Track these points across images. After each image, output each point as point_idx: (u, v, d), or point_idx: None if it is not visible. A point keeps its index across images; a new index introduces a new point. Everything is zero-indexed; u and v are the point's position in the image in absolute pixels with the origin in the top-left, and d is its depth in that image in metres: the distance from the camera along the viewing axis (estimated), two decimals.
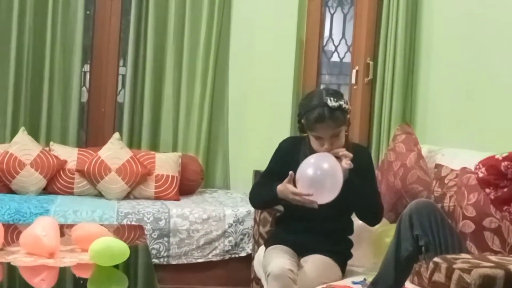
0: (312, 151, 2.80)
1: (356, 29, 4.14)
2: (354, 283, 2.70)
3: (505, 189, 2.15)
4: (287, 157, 2.92)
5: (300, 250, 2.83)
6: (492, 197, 2.20)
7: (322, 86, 4.93)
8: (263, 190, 2.92)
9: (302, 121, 2.80)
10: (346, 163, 2.70)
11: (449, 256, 1.79)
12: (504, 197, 2.17)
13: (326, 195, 2.68)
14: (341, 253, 2.87)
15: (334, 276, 2.78)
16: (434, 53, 3.60)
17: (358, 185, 2.75)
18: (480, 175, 2.21)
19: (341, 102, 2.71)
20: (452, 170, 2.76)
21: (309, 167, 2.69)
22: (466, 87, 3.25)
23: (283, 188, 2.76)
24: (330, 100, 2.69)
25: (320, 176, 2.67)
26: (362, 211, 2.86)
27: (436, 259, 1.79)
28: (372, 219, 2.87)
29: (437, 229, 2.26)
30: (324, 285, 2.66)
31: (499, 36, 3.02)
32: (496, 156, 2.18)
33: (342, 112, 2.72)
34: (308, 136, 2.84)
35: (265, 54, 4.60)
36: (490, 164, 2.18)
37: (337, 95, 2.75)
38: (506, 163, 2.14)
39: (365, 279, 2.72)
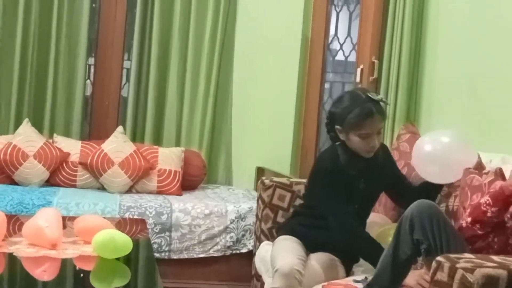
0: (350, 158, 2.77)
1: (361, 27, 4.14)
2: (356, 281, 2.71)
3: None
4: (340, 175, 2.77)
5: (311, 246, 2.83)
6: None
7: (327, 85, 4.94)
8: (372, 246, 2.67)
9: (337, 127, 2.74)
10: None
11: (452, 256, 1.79)
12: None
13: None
14: (350, 255, 2.86)
15: (338, 276, 2.78)
16: (439, 52, 3.59)
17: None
18: (464, 225, 2.24)
19: (381, 96, 2.74)
20: None
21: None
22: (471, 87, 3.25)
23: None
24: (372, 95, 2.69)
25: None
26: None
27: (439, 258, 1.79)
28: None
29: (439, 233, 2.23)
30: (325, 283, 2.66)
31: (506, 36, 3.01)
32: (482, 208, 2.20)
33: (385, 105, 2.76)
34: (340, 144, 2.79)
35: (270, 51, 4.60)
36: (476, 215, 2.21)
37: (371, 90, 2.80)
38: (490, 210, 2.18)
39: (366, 278, 2.72)
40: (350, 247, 2.77)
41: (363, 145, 2.71)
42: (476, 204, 2.26)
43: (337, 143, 2.81)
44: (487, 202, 2.19)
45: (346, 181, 2.75)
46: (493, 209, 2.18)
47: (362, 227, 2.86)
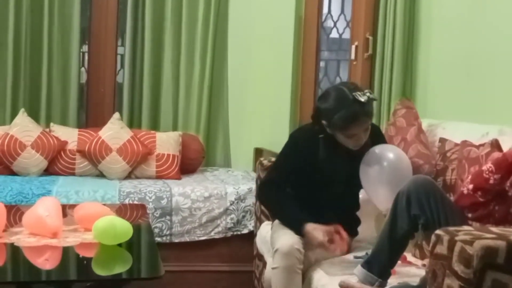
0: (331, 146, 2.75)
1: (355, 4, 4.12)
2: (356, 257, 2.72)
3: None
4: (305, 152, 2.77)
5: None
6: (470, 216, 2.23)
7: (322, 64, 4.92)
8: (284, 204, 2.76)
9: (323, 122, 2.68)
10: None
11: (451, 228, 1.79)
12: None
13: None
14: (348, 231, 2.86)
15: (339, 252, 2.79)
16: (433, 26, 3.58)
17: None
18: (465, 192, 2.23)
19: (368, 94, 2.61)
20: (456, 144, 2.75)
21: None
22: (466, 60, 3.24)
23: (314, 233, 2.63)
24: (359, 96, 2.58)
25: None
26: None
27: (438, 231, 1.79)
28: None
29: (437, 207, 2.21)
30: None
31: (499, 10, 3.00)
32: (484, 175, 2.19)
33: (372, 104, 2.65)
34: (324, 137, 2.76)
35: (264, 32, 4.58)
36: (478, 182, 2.20)
37: (358, 87, 2.66)
38: (492, 178, 2.16)
39: (367, 253, 2.73)
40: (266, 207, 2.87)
41: (350, 142, 2.68)
42: (479, 171, 2.25)
43: (321, 136, 2.75)
44: (490, 169, 2.17)
45: (315, 164, 2.74)
46: (495, 176, 2.16)
47: (350, 199, 2.87)
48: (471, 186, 2.22)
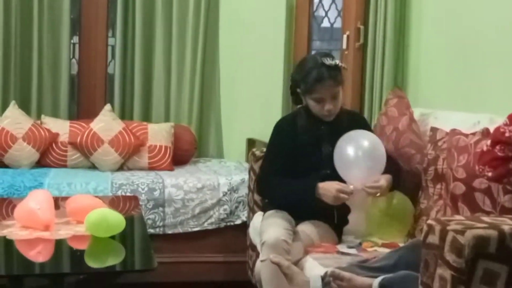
0: (310, 122, 2.86)
1: None
2: (349, 247, 2.73)
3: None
4: (289, 136, 2.90)
5: (298, 217, 2.84)
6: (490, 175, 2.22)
7: (313, 52, 4.91)
8: (290, 187, 2.81)
9: (298, 90, 2.86)
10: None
11: (442, 218, 1.80)
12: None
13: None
14: (338, 219, 2.87)
15: (330, 241, 2.80)
16: (425, 15, 3.58)
17: None
18: (485, 148, 2.23)
19: (337, 61, 2.80)
20: (447, 133, 2.76)
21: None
22: (458, 49, 3.24)
23: (327, 185, 2.72)
24: (327, 60, 2.77)
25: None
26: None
27: (429, 221, 1.80)
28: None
29: None
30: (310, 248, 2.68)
31: None
32: (500, 129, 2.19)
33: (339, 70, 2.81)
34: (303, 107, 2.87)
35: (255, 21, 4.57)
36: (495, 136, 2.20)
37: (330, 55, 2.84)
38: (507, 130, 2.16)
39: (360, 243, 2.75)
40: (273, 202, 2.89)
41: (319, 108, 2.82)
42: (496, 127, 2.26)
43: (299, 106, 2.93)
44: (505, 122, 2.19)
45: (299, 145, 2.84)
46: (510, 128, 2.17)
47: None
48: (489, 142, 2.23)
